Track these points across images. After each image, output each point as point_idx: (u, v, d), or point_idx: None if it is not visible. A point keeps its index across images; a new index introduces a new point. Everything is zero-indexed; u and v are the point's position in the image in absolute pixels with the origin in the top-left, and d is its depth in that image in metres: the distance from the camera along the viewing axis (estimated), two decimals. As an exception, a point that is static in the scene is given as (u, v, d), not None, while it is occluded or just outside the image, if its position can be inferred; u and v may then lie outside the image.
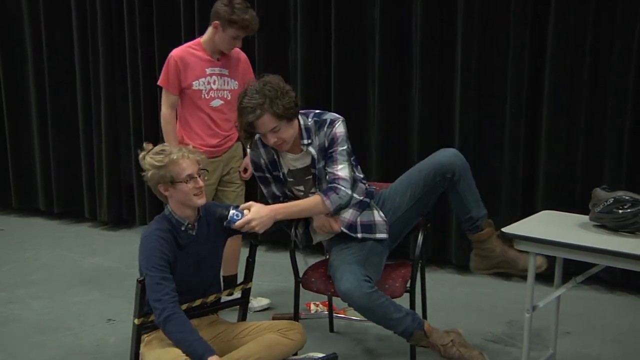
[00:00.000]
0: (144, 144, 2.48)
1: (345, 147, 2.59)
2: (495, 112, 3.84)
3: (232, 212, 2.44)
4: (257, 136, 2.61)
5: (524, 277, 2.59)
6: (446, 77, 3.93)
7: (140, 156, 2.45)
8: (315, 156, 2.60)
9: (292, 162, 2.65)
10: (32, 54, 5.22)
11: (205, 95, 3.22)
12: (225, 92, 3.26)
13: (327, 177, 2.60)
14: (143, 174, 2.44)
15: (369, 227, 2.70)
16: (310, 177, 2.65)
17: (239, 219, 2.44)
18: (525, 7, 3.65)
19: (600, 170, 3.65)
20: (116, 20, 4.87)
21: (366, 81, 4.15)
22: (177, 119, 3.29)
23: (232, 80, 3.28)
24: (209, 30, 3.18)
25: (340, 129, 2.59)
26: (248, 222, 2.43)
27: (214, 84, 3.23)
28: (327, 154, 2.59)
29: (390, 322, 2.52)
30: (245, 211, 2.46)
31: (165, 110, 3.24)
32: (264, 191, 2.75)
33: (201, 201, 2.44)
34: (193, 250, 2.48)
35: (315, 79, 4.24)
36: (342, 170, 2.57)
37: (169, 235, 2.41)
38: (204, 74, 3.20)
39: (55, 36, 5.13)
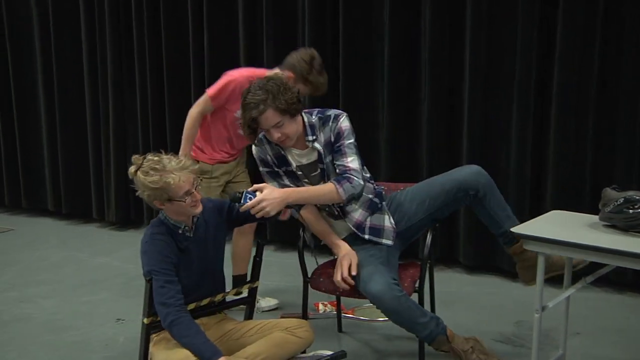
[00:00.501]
0: (133, 158, 2.37)
1: (352, 140, 2.61)
2: (503, 112, 3.83)
3: (245, 193, 2.43)
4: (262, 133, 2.62)
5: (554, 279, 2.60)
6: (454, 79, 3.93)
7: (131, 171, 2.35)
8: (322, 151, 2.62)
9: (298, 158, 2.66)
10: (41, 55, 5.26)
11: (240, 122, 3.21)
12: None
13: (338, 169, 2.61)
14: (134, 188, 2.36)
15: (377, 231, 2.71)
16: (317, 172, 2.66)
17: (251, 200, 2.42)
18: (533, 8, 3.64)
19: (610, 170, 3.63)
20: (124, 17, 4.89)
21: (374, 84, 4.15)
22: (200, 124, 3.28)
23: None
24: (279, 74, 2.94)
25: (345, 122, 2.61)
26: (259, 202, 2.41)
27: None
28: (334, 148, 2.61)
29: (415, 325, 2.52)
30: (258, 192, 2.44)
31: (195, 113, 3.22)
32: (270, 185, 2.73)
33: (198, 210, 2.41)
34: (194, 251, 2.47)
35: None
36: (352, 162, 2.59)
37: (168, 237, 2.41)
38: None
39: (63, 37, 5.16)
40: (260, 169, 2.74)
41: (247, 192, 2.42)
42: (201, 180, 2.52)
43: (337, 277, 2.58)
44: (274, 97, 2.46)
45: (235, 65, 4.46)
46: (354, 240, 2.73)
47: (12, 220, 5.55)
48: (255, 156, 2.73)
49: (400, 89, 4.07)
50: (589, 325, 3.25)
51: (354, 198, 2.64)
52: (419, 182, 2.88)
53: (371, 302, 2.51)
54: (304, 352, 2.56)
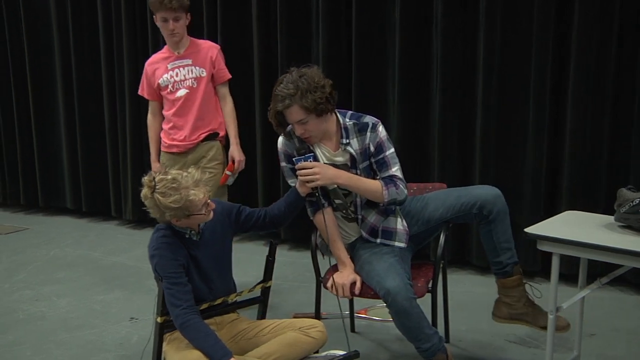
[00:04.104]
0: (144, 179, 2.35)
1: (392, 150, 2.64)
2: (518, 112, 3.80)
3: (307, 154, 2.58)
4: (289, 127, 2.63)
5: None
6: (467, 75, 3.90)
7: (146, 194, 2.31)
8: (356, 156, 2.62)
9: (329, 156, 2.66)
10: (59, 54, 5.29)
11: (171, 88, 3.36)
12: (190, 80, 3.36)
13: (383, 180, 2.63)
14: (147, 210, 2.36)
15: (390, 234, 2.71)
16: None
17: (309, 162, 2.56)
18: (549, 7, 3.61)
19: (625, 171, 3.60)
20: (140, 17, 4.92)
21: (386, 79, 4.14)
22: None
23: (197, 67, 3.36)
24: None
25: (383, 132, 2.63)
26: (315, 167, 2.53)
27: (177, 75, 3.35)
28: (376, 160, 2.62)
29: (420, 334, 2.50)
30: (315, 163, 2.57)
31: (148, 117, 3.54)
32: (289, 182, 2.73)
33: (210, 217, 2.44)
34: (201, 253, 2.48)
35: (336, 76, 4.23)
36: (397, 171, 2.63)
37: (175, 240, 2.41)
38: (166, 70, 3.37)
39: (81, 36, 5.21)
40: (282, 164, 2.71)
41: (311, 156, 2.57)
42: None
43: (340, 294, 2.61)
44: (302, 94, 2.47)
45: (249, 64, 4.51)
46: (365, 241, 2.73)
47: (29, 219, 5.60)
48: (279, 150, 2.71)
49: (413, 88, 4.04)
50: (604, 326, 3.22)
51: (395, 204, 2.65)
52: (431, 182, 2.87)
53: (383, 299, 2.48)
54: (317, 352, 2.56)
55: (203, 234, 2.49)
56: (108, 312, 3.58)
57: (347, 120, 2.64)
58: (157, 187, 2.31)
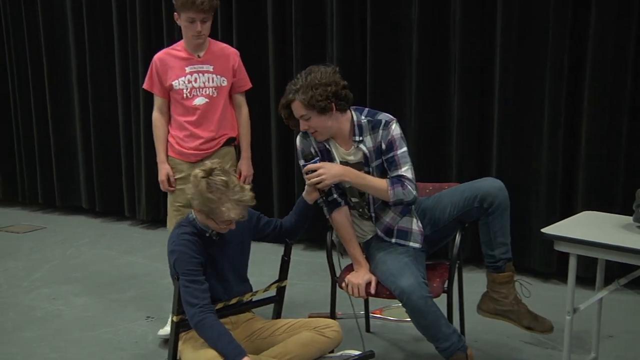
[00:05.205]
0: (207, 162, 2.48)
1: (404, 149, 2.61)
2: (534, 112, 3.77)
3: (315, 158, 2.60)
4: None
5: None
6: (484, 75, 3.89)
7: (198, 174, 2.37)
8: (368, 154, 2.61)
9: (343, 155, 2.66)
10: (75, 55, 5.33)
11: (187, 94, 3.10)
12: (210, 89, 3.12)
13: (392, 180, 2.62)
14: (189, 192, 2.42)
15: (405, 234, 2.70)
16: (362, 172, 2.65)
17: (315, 163, 2.57)
18: (565, 8, 3.58)
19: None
20: (154, 19, 4.94)
21: (403, 80, 4.13)
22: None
23: (219, 76, 3.13)
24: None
25: (396, 130, 2.60)
26: (320, 167, 2.54)
27: (195, 82, 3.10)
28: (387, 158, 2.60)
29: (438, 333, 2.49)
30: (320, 164, 2.57)
31: (154, 114, 3.23)
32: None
33: (226, 231, 2.46)
34: (220, 253, 2.49)
35: (351, 77, 4.23)
36: (406, 171, 2.60)
37: (195, 238, 2.43)
38: (183, 72, 3.10)
39: (96, 37, 5.24)
40: (301, 162, 2.71)
41: (317, 159, 2.58)
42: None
43: (355, 294, 2.61)
44: (304, 90, 2.50)
45: (264, 68, 4.51)
46: (380, 240, 2.72)
47: (46, 219, 5.65)
48: (297, 147, 2.72)
49: (429, 88, 4.03)
50: (622, 328, 3.19)
51: (402, 204, 2.64)
52: (447, 182, 2.85)
53: (398, 298, 2.47)
54: (332, 351, 2.56)
55: (223, 234, 2.50)
56: (124, 310, 3.60)
57: (363, 117, 2.64)
58: (211, 175, 2.36)
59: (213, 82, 3.12)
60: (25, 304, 3.71)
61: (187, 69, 3.10)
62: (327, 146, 2.66)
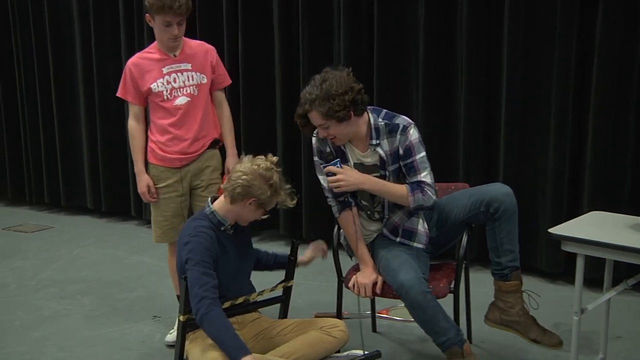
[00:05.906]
0: (269, 155, 2.52)
1: (423, 154, 2.59)
2: (541, 111, 3.76)
3: (338, 160, 2.60)
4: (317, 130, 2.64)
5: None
6: (491, 75, 3.87)
7: (264, 164, 2.45)
8: (385, 158, 2.60)
9: (358, 157, 2.66)
10: (81, 55, 5.35)
11: (168, 95, 3.00)
12: (191, 87, 3.02)
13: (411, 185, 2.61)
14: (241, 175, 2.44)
15: (410, 234, 2.70)
16: (376, 176, 2.64)
17: (335, 167, 2.57)
18: (573, 6, 3.57)
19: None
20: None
21: (409, 78, 4.12)
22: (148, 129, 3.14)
23: (198, 74, 3.04)
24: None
25: (414, 135, 2.58)
26: (340, 173, 2.54)
27: (175, 82, 3.00)
28: (406, 164, 2.59)
29: (435, 327, 2.49)
30: (345, 166, 2.58)
31: (129, 122, 3.12)
32: (320, 178, 2.73)
33: (244, 224, 2.55)
34: (232, 249, 2.51)
35: (358, 74, 4.22)
36: (425, 177, 2.59)
37: (211, 232, 2.44)
38: (161, 74, 3.00)
39: (103, 38, 5.25)
40: (315, 158, 2.72)
41: (339, 161, 2.59)
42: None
43: (362, 294, 2.63)
44: (320, 100, 2.46)
45: (271, 64, 4.52)
46: (384, 239, 2.72)
47: (52, 218, 5.67)
48: (313, 145, 2.73)
49: (436, 88, 4.03)
50: (631, 329, 3.18)
51: (422, 209, 2.64)
52: (454, 182, 2.85)
53: (397, 292, 2.48)
54: (339, 351, 2.56)
55: (236, 229, 2.53)
56: (131, 310, 3.61)
57: (380, 120, 2.62)
58: (277, 167, 2.48)
59: (193, 79, 3.03)
60: (33, 303, 3.72)
61: (165, 70, 3.00)
62: (342, 147, 2.65)
